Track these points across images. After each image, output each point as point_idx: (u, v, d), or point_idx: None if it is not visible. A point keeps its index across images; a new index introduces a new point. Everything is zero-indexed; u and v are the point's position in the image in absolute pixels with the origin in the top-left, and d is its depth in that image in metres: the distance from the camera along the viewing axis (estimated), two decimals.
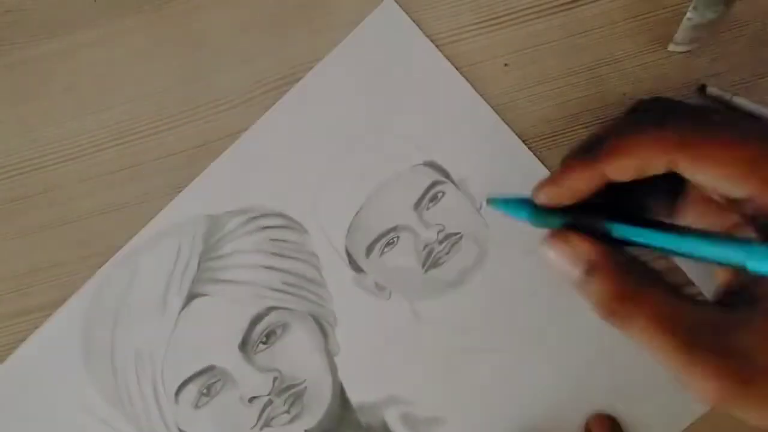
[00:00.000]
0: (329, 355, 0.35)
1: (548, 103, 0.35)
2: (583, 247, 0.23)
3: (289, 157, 0.36)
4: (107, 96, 0.37)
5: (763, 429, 0.20)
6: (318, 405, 0.34)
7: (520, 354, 0.34)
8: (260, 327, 0.35)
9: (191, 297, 0.35)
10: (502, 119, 0.35)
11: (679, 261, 0.33)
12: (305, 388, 0.34)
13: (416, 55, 0.36)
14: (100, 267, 0.36)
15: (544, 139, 0.35)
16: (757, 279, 0.21)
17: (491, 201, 0.27)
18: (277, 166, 0.36)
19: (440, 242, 0.35)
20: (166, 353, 0.35)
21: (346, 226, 0.36)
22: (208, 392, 0.35)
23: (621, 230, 0.24)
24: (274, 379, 0.34)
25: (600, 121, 0.35)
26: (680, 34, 0.34)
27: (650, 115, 0.25)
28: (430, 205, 0.35)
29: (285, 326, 0.35)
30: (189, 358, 0.35)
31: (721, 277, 0.24)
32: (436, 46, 0.36)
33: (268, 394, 0.34)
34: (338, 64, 0.37)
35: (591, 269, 0.23)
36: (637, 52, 0.35)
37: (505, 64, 0.36)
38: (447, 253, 0.35)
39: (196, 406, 0.35)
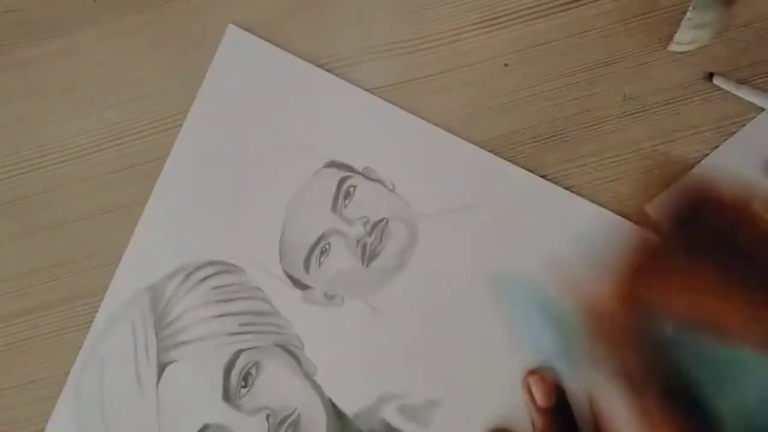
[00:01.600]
0: (309, 377, 0.35)
1: (548, 103, 0.35)
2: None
3: (199, 204, 0.37)
4: (107, 96, 0.37)
5: None
6: (317, 428, 0.35)
7: (483, 313, 0.34)
8: (235, 373, 0.35)
9: (162, 367, 0.35)
10: (400, 108, 0.36)
11: None
12: (299, 415, 0.35)
13: (279, 67, 0.37)
14: (99, 267, 0.36)
15: (545, 139, 0.35)
16: None
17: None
18: (192, 216, 0.37)
19: (369, 233, 0.35)
20: (160, 428, 0.35)
21: (277, 251, 0.36)
22: None
23: None
24: (267, 416, 0.35)
25: (601, 121, 0.35)
26: (680, 34, 0.34)
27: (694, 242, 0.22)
28: (346, 202, 0.36)
29: (257, 364, 0.35)
30: (182, 425, 0.35)
31: None
32: (437, 45, 0.36)
33: None
34: (208, 101, 0.37)
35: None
36: (637, 52, 0.35)
37: (505, 64, 0.36)
38: (380, 242, 0.35)
39: None
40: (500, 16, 0.36)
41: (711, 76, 0.34)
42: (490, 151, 0.35)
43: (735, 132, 0.35)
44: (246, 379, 0.35)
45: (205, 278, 0.36)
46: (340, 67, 0.37)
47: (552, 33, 0.36)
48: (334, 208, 0.36)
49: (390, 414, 0.34)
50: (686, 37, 0.34)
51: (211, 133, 0.37)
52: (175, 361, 0.35)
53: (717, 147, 0.35)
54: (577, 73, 0.36)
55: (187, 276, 0.36)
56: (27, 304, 0.37)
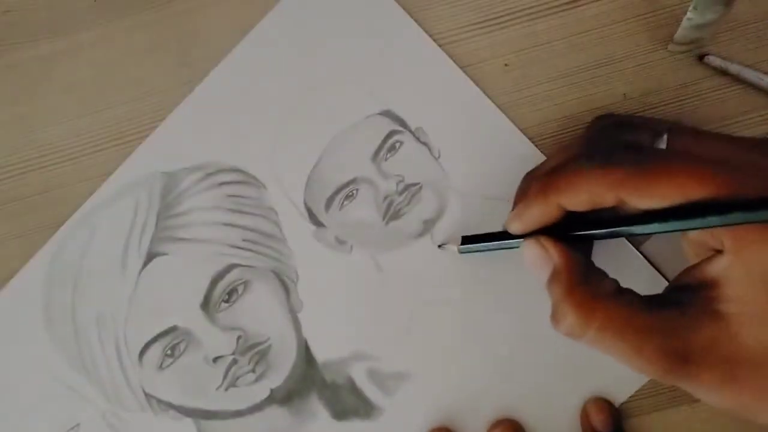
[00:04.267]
0: (293, 312, 0.34)
1: (548, 103, 0.35)
2: (551, 250, 0.26)
3: (243, 110, 0.36)
4: (107, 96, 0.37)
5: (705, 402, 0.24)
6: (283, 363, 0.34)
7: (486, 307, 0.34)
8: (221, 285, 0.34)
9: (151, 256, 0.35)
10: (463, 73, 0.35)
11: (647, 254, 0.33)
12: (270, 346, 0.34)
13: (364, 2, 0.36)
14: None
15: (545, 139, 0.35)
16: (696, 277, 0.24)
17: (462, 250, 0.31)
18: (232, 120, 0.36)
19: (400, 193, 0.35)
20: (128, 315, 0.34)
21: (304, 180, 0.35)
22: (171, 353, 0.34)
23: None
24: (238, 338, 0.34)
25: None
26: (680, 34, 0.34)
27: (599, 146, 0.28)
28: (388, 155, 0.35)
29: (246, 284, 0.34)
30: (151, 319, 0.34)
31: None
32: (437, 45, 0.36)
33: (233, 354, 0.34)
34: (285, 16, 0.36)
35: (553, 273, 0.26)
36: (637, 52, 0.35)
37: (505, 64, 0.36)
38: (407, 204, 0.35)
39: (161, 368, 0.34)
40: (500, 16, 0.36)
41: (702, 57, 0.34)
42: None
43: (735, 132, 0.35)
44: (230, 294, 0.34)
45: (225, 183, 0.35)
46: None
47: (552, 33, 0.36)
48: (375, 157, 0.35)
49: (358, 373, 0.34)
50: (686, 37, 0.34)
51: (278, 44, 0.36)
52: (166, 254, 0.35)
53: None
54: (577, 73, 0.36)
55: (208, 175, 0.35)
56: None
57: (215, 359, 0.34)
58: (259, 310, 0.34)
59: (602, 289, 0.25)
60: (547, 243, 0.26)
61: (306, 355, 0.34)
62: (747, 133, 0.35)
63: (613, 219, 0.26)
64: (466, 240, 0.32)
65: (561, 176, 0.26)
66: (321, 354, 0.34)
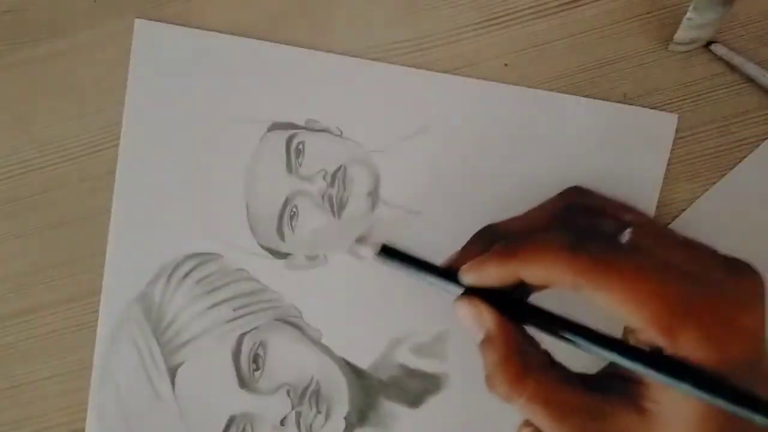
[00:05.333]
0: (316, 343, 0.35)
1: None
2: (486, 316, 0.26)
3: (159, 200, 0.36)
4: (107, 96, 0.37)
5: None
6: (338, 390, 0.35)
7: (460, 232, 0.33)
8: (243, 358, 0.35)
9: (173, 371, 0.35)
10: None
11: None
12: (318, 382, 0.35)
13: (196, 47, 0.36)
14: (99, 267, 0.36)
15: None
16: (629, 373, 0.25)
17: (380, 255, 0.29)
18: (156, 215, 0.36)
19: (332, 184, 0.35)
20: (189, 430, 0.35)
21: (248, 228, 0.36)
22: (244, 429, 0.35)
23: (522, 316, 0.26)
24: (288, 392, 0.35)
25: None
26: (680, 34, 0.34)
27: (564, 224, 0.29)
28: (300, 160, 0.35)
29: (263, 344, 0.35)
30: (208, 423, 0.35)
31: None
32: (437, 45, 0.36)
33: (292, 408, 0.35)
34: (139, 100, 0.36)
35: (486, 339, 0.26)
36: (637, 52, 0.35)
37: (505, 64, 0.36)
38: (344, 190, 0.35)
39: None
40: (500, 16, 0.36)
41: (708, 44, 0.34)
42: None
43: (734, 132, 0.35)
44: (256, 361, 0.35)
45: (187, 274, 0.36)
46: None
47: (552, 33, 0.36)
48: (290, 169, 0.35)
49: (405, 356, 0.34)
50: (686, 37, 0.34)
51: (151, 128, 0.36)
52: (183, 362, 0.35)
53: (716, 147, 0.35)
54: (577, 73, 0.36)
55: (169, 276, 0.36)
56: (27, 304, 0.37)
57: (282, 422, 0.35)
58: (289, 359, 0.35)
59: (535, 362, 0.25)
60: (482, 307, 0.26)
61: (352, 370, 0.35)
62: (747, 132, 0.35)
63: (550, 318, 0.26)
64: (387, 251, 0.29)
65: (527, 248, 0.25)
66: (363, 362, 0.35)
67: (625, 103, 0.35)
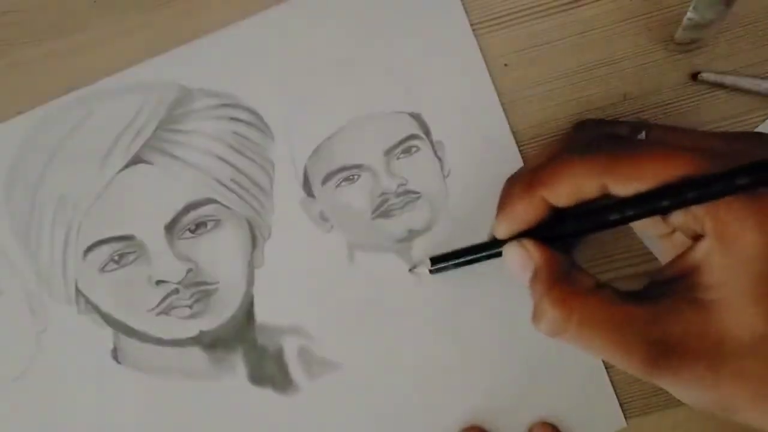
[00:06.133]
0: (251, 266, 0.34)
1: (548, 103, 0.35)
2: (531, 249, 0.26)
3: (276, 58, 0.35)
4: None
5: (684, 401, 0.23)
6: (222, 310, 0.34)
7: (444, 334, 0.34)
8: (193, 214, 0.34)
9: (135, 161, 0.34)
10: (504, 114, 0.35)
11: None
12: (216, 289, 0.34)
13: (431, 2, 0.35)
14: None
15: (545, 139, 0.35)
16: (676, 268, 0.24)
17: (434, 270, 0.31)
18: (263, 64, 0.35)
19: (398, 195, 0.35)
20: (91, 207, 0.34)
21: (313, 147, 0.35)
22: (118, 260, 0.34)
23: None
24: (188, 270, 0.33)
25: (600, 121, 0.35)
26: (680, 34, 0.34)
27: (581, 141, 0.28)
28: (402, 156, 0.35)
29: (217, 222, 0.34)
30: (112, 220, 0.34)
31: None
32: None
33: (177, 283, 0.33)
34: None
35: (534, 273, 0.25)
36: (637, 52, 0.35)
37: (505, 64, 0.36)
38: (400, 208, 0.35)
39: (102, 270, 0.34)
40: (500, 16, 0.36)
41: (695, 76, 0.34)
42: None
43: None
44: (198, 226, 0.34)
45: (235, 119, 0.35)
46: None
47: (552, 33, 0.36)
48: (389, 152, 0.35)
49: (290, 346, 0.34)
50: (686, 37, 0.34)
51: (331, 7, 0.35)
52: (151, 164, 0.34)
53: None
54: (577, 73, 0.36)
55: (223, 105, 0.35)
56: None
57: (158, 282, 0.33)
58: (220, 252, 0.34)
59: (581, 284, 0.25)
60: (528, 244, 0.26)
61: (247, 310, 0.34)
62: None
63: (589, 211, 0.25)
64: (436, 260, 0.31)
65: (545, 170, 0.25)
66: (262, 315, 0.34)
67: (625, 103, 0.35)
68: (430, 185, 0.35)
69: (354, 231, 0.35)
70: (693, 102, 0.35)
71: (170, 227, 0.34)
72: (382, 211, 0.35)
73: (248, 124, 0.35)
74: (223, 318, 0.34)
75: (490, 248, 0.28)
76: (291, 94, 0.35)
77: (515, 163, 0.35)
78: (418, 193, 0.35)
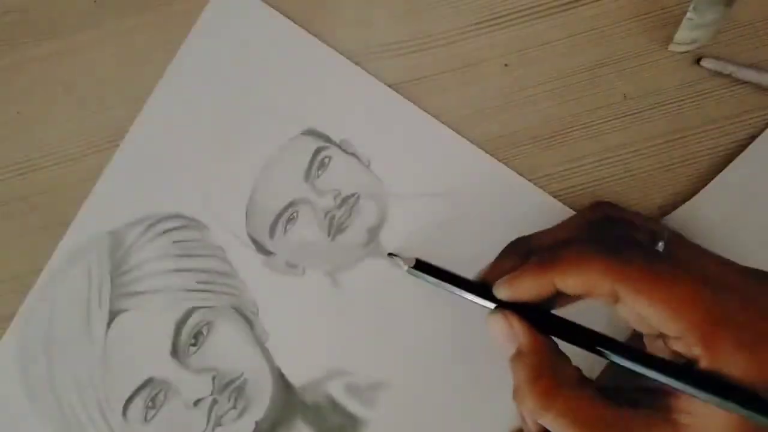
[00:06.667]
0: (260, 344, 0.35)
1: (548, 103, 0.35)
2: (519, 330, 0.26)
3: (170, 156, 0.36)
4: (107, 96, 0.37)
5: None
6: (262, 395, 0.34)
7: (447, 302, 0.33)
8: (186, 330, 0.35)
9: (113, 315, 0.35)
10: (368, 72, 0.36)
11: None
12: (245, 380, 0.34)
13: (267, 28, 0.36)
14: None
15: (544, 139, 0.35)
16: (662, 386, 0.24)
17: (414, 269, 0.30)
18: (162, 167, 0.36)
19: (339, 207, 0.35)
20: (104, 375, 0.35)
21: (244, 213, 0.36)
22: (153, 404, 0.35)
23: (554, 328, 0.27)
24: (213, 378, 0.34)
25: (601, 121, 0.35)
26: (680, 34, 0.34)
27: (597, 229, 0.29)
28: (320, 172, 0.35)
29: (209, 324, 0.35)
30: (126, 375, 0.35)
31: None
32: (437, 45, 0.36)
33: (211, 394, 0.34)
34: (192, 53, 0.37)
35: (518, 353, 0.26)
36: (637, 52, 0.35)
37: (505, 64, 0.36)
38: (349, 216, 0.35)
39: (146, 420, 0.34)
40: (500, 16, 0.36)
41: (698, 61, 0.34)
42: (488, 152, 0.35)
43: (734, 132, 0.35)
44: (196, 337, 0.35)
45: (168, 230, 0.36)
46: None
47: (552, 33, 0.36)
48: (307, 177, 0.35)
49: (336, 390, 0.34)
50: (686, 37, 0.34)
51: (192, 85, 0.36)
52: (127, 310, 0.35)
53: (716, 147, 0.35)
54: (577, 73, 0.36)
55: (150, 226, 0.36)
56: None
57: (195, 402, 0.34)
58: (228, 348, 0.35)
59: (565, 378, 0.25)
60: (515, 321, 0.26)
61: (282, 382, 0.35)
62: (747, 132, 0.35)
63: (586, 332, 0.26)
64: (420, 265, 0.31)
65: (564, 256, 0.25)
66: (297, 379, 0.34)
67: (625, 102, 0.35)
68: (360, 181, 0.35)
69: (323, 260, 0.35)
70: (693, 102, 0.35)
71: (175, 352, 0.35)
72: (335, 228, 0.35)
73: (180, 228, 0.36)
74: (267, 400, 0.34)
75: (478, 294, 0.28)
76: (197, 178, 0.36)
77: (415, 116, 0.35)
78: (354, 194, 0.35)
